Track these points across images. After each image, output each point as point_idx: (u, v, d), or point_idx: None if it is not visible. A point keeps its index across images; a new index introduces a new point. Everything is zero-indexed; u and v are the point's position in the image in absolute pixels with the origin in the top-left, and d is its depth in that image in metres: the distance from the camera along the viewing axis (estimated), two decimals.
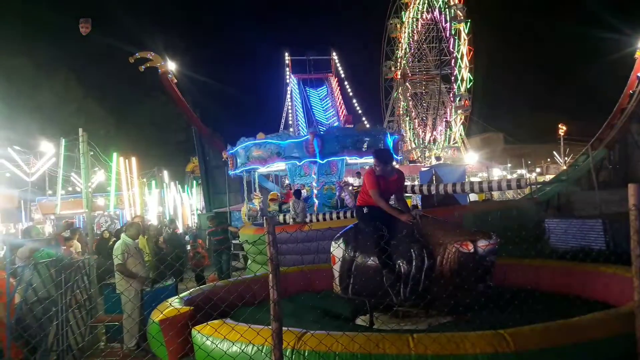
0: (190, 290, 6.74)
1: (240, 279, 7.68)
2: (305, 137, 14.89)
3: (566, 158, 50.58)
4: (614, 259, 6.20)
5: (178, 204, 33.02)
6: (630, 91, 28.13)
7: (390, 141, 15.50)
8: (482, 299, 5.01)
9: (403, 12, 64.38)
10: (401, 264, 5.31)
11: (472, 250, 5.02)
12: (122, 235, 7.75)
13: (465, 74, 55.71)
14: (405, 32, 64.04)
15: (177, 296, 6.38)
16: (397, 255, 5.36)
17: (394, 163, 18.01)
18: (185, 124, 37.74)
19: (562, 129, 54.33)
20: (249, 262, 13.42)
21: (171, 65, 27.70)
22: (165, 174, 35.77)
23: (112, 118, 46.14)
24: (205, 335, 4.56)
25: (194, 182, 35.69)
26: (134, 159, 21.95)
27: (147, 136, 48.09)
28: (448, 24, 56.64)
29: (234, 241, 14.65)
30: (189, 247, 14.41)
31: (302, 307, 6.49)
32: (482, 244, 5.04)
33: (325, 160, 15.06)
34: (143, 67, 26.37)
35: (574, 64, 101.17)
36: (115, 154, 20.43)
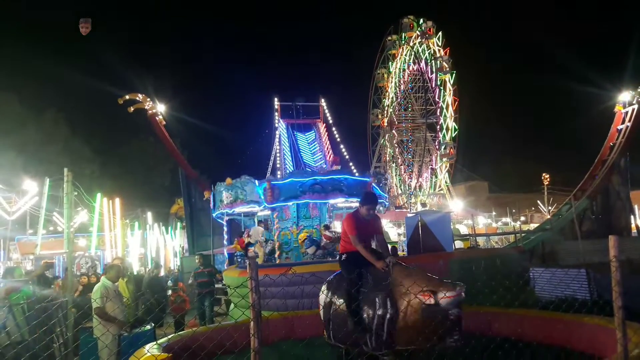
0: (169, 337, 6.57)
1: (221, 326, 7.51)
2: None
3: (550, 207, 51.23)
4: (597, 309, 6.19)
5: (161, 246, 32.56)
6: (611, 143, 28.86)
7: (260, 190, 15.64)
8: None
9: (390, 63, 66.03)
10: (366, 313, 5.24)
11: (432, 302, 4.78)
12: (102, 278, 7.59)
13: (451, 123, 56.76)
14: (392, 82, 65.50)
15: (155, 342, 6.20)
16: (364, 303, 5.29)
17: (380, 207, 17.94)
18: (172, 165, 37.80)
19: (546, 179, 55.34)
20: (231, 307, 13.16)
21: (160, 107, 28.00)
22: (149, 215, 35.44)
23: (98, 158, 45.98)
24: None
25: (178, 223, 35.36)
26: (117, 200, 21.77)
27: (132, 177, 47.83)
28: (434, 75, 57.98)
29: (216, 285, 14.39)
30: (169, 292, 14.11)
31: (285, 355, 6.35)
32: (442, 295, 4.78)
33: (216, 213, 17.75)
34: (132, 108, 26.65)
35: (557, 117, 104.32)
36: (99, 195, 20.26)
